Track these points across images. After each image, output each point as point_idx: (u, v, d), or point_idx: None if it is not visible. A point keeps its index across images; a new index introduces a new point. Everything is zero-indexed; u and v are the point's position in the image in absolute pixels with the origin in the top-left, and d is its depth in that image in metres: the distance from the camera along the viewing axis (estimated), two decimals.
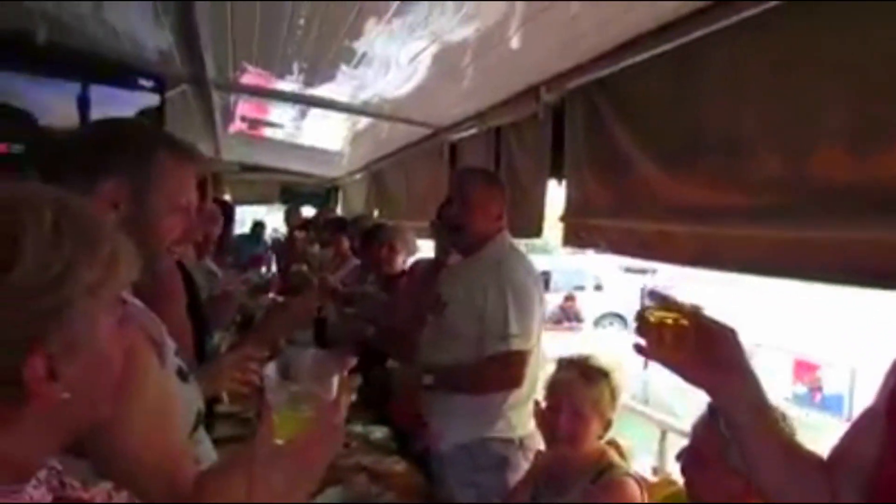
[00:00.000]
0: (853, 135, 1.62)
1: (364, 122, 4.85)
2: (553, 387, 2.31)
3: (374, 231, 4.35)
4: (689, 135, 2.21)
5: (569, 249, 3.17)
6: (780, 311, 15.85)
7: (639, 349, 1.20)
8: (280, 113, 5.08)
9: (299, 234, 7.57)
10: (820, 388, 11.76)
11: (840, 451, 1.16)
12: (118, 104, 3.87)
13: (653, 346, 1.19)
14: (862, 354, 9.99)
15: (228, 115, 5.33)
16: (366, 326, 3.70)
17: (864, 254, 1.57)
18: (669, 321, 1.17)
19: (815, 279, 1.78)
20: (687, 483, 1.87)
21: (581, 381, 2.23)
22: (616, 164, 2.59)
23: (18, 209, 0.79)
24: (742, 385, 1.17)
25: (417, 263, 4.09)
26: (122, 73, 3.96)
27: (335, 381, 1.09)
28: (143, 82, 3.99)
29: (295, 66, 3.53)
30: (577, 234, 2.96)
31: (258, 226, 9.62)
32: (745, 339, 1.16)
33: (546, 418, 2.29)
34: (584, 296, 17.50)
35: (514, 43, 2.63)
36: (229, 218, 4.36)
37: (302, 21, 2.76)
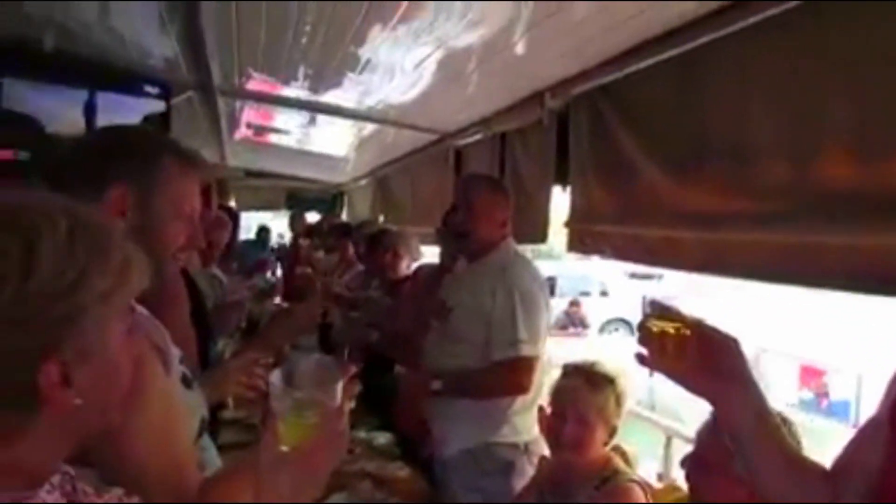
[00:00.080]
0: (860, 140, 1.61)
1: (369, 127, 4.86)
2: (558, 393, 2.31)
3: (379, 237, 4.36)
4: (694, 140, 2.20)
5: (574, 255, 3.17)
6: (786, 317, 15.79)
7: (641, 359, 1.20)
8: (285, 119, 5.09)
9: (304, 242, 7.58)
10: (826, 394, 11.73)
11: (843, 460, 1.16)
12: (124, 111, 3.88)
13: (655, 355, 1.19)
14: (869, 360, 9.94)
15: (234, 122, 5.34)
16: (370, 331, 3.71)
17: (871, 260, 1.57)
18: (671, 331, 1.17)
19: (822, 286, 1.77)
20: (691, 489, 1.87)
21: (586, 387, 2.23)
22: (621, 170, 2.59)
23: (33, 218, 0.80)
24: (744, 394, 1.17)
25: (421, 268, 4.09)
26: (129, 80, 3.97)
27: (339, 387, 1.09)
28: (149, 89, 4.00)
29: (300, 73, 3.54)
30: (582, 240, 2.96)
31: (263, 231, 9.64)
32: (751, 345, 1.16)
33: (551, 425, 2.29)
34: (590, 301, 17.50)
35: (519, 49, 2.63)
36: (234, 224, 4.38)
37: (307, 27, 2.76)
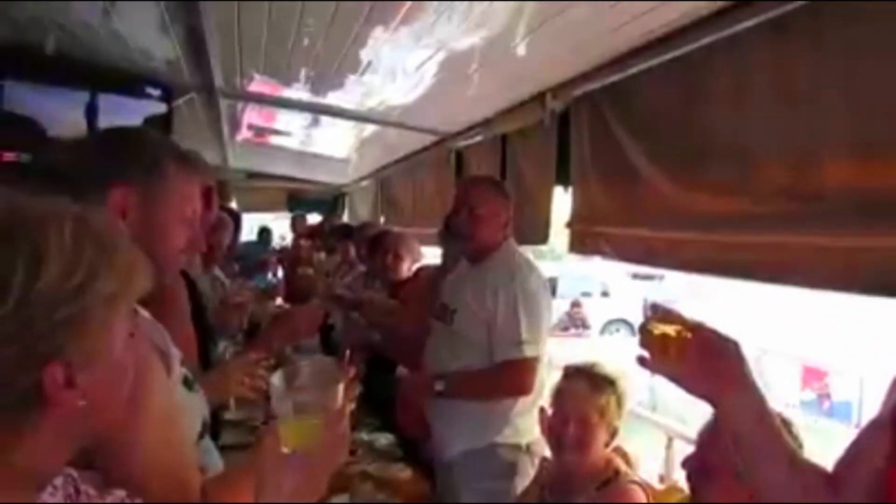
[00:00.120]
0: (860, 142, 1.62)
1: (371, 129, 4.87)
2: (559, 395, 2.31)
3: (380, 238, 4.37)
4: (695, 142, 2.21)
5: (576, 256, 3.17)
6: (788, 319, 15.80)
7: (642, 361, 1.20)
8: (287, 121, 5.10)
9: (305, 243, 7.59)
10: (828, 396, 11.73)
11: (845, 462, 1.16)
12: (126, 113, 3.89)
13: (656, 358, 1.19)
14: (870, 362, 9.94)
15: (235, 124, 5.35)
16: (371, 333, 3.71)
17: (871, 261, 1.57)
18: (672, 334, 1.17)
19: (822, 287, 1.77)
20: (692, 490, 1.86)
21: (587, 389, 2.23)
22: (622, 171, 2.59)
23: (41, 221, 0.81)
24: (745, 396, 1.17)
25: (422, 269, 4.09)
26: (130, 82, 3.99)
27: (340, 388, 1.09)
28: (151, 91, 4.02)
29: (302, 74, 3.54)
30: (584, 241, 2.96)
31: (265, 232, 9.65)
32: (754, 346, 1.17)
33: (552, 426, 2.29)
34: (591, 302, 17.49)
35: (521, 50, 2.63)
36: (236, 226, 4.38)
37: (309, 29, 2.77)
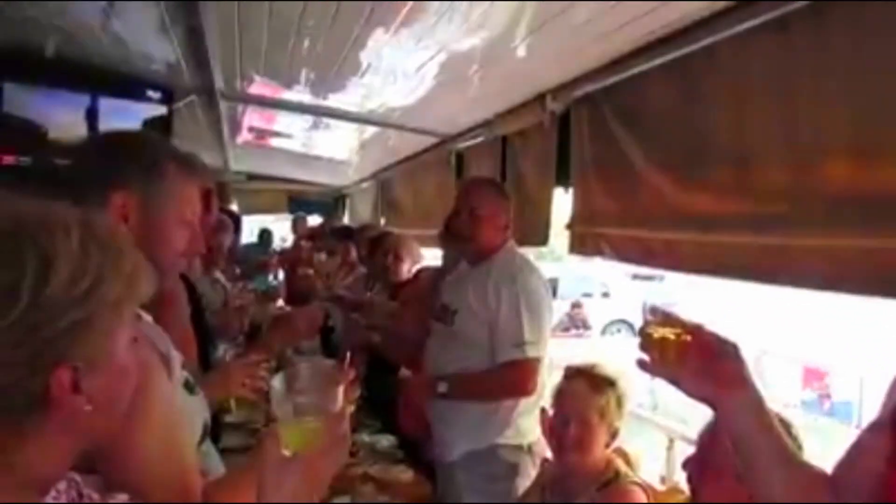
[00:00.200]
0: (859, 143, 1.62)
1: (371, 131, 4.87)
2: (560, 395, 2.30)
3: (380, 240, 4.37)
4: (694, 143, 2.21)
5: (576, 257, 3.17)
6: (788, 319, 15.79)
7: (642, 364, 1.20)
8: (288, 123, 5.10)
9: (306, 245, 7.59)
10: (829, 396, 11.72)
11: (845, 463, 1.16)
12: (126, 115, 3.90)
13: (656, 361, 1.19)
14: (871, 362, 9.93)
15: (236, 126, 5.35)
16: (372, 334, 3.71)
17: (871, 262, 1.57)
18: (672, 337, 1.17)
19: (822, 288, 1.77)
20: (693, 491, 1.86)
21: (588, 389, 2.22)
22: (622, 172, 2.60)
23: (49, 227, 0.82)
24: (744, 399, 1.17)
25: (423, 271, 4.09)
26: (131, 85, 3.99)
27: (340, 391, 1.09)
28: (151, 93, 4.02)
29: (302, 76, 3.54)
30: (584, 242, 2.96)
31: (265, 234, 9.64)
32: (754, 347, 1.17)
33: (553, 427, 2.29)
34: (592, 303, 17.45)
35: (521, 52, 2.63)
36: (236, 227, 4.39)
37: (310, 31, 2.77)
